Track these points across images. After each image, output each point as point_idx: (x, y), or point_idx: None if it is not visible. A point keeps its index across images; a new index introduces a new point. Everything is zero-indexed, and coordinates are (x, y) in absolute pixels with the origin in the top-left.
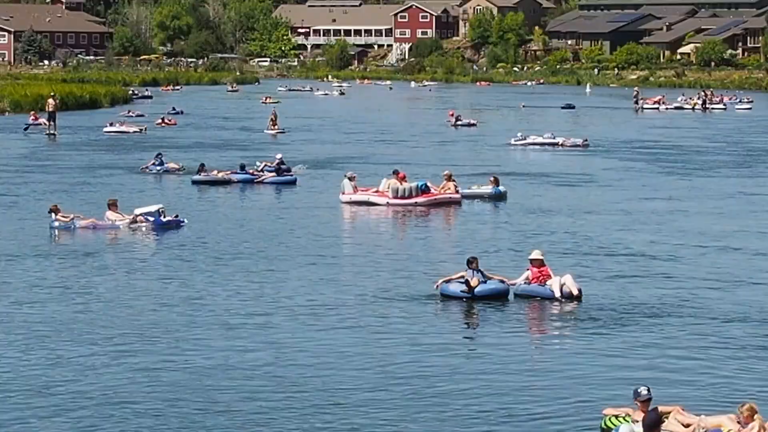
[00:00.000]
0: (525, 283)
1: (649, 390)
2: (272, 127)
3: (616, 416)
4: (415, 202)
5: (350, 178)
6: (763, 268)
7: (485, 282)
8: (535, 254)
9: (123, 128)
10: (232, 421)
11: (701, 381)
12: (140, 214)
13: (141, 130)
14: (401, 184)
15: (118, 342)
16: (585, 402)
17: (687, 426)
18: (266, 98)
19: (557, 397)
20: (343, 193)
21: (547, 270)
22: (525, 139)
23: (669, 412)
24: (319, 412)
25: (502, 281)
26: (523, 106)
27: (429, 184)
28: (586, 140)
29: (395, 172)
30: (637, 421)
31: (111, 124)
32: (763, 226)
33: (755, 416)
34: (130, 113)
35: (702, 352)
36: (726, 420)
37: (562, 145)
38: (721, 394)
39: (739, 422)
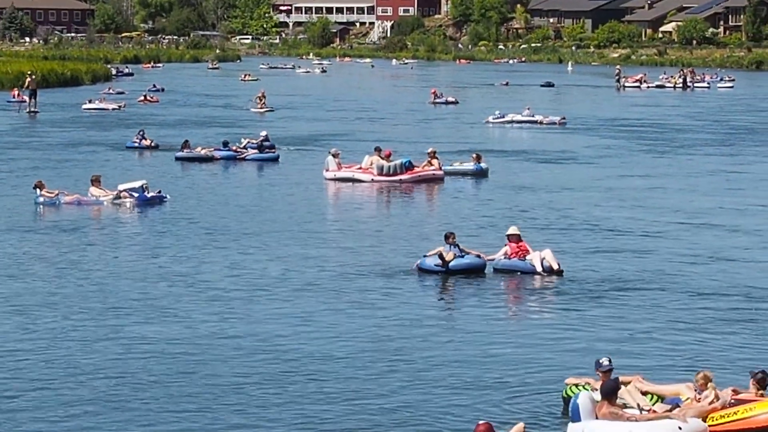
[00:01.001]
0: (504, 258)
1: (610, 361)
2: (260, 106)
3: (577, 385)
4: (400, 179)
5: (334, 155)
6: (738, 245)
7: (462, 256)
8: (513, 230)
9: (102, 105)
10: (212, 391)
11: (668, 352)
12: (124, 190)
13: (120, 107)
14: (386, 161)
15: (102, 313)
16: (554, 372)
17: (645, 394)
18: (245, 75)
19: (527, 367)
20: (327, 170)
21: (525, 245)
22: (503, 117)
23: (629, 382)
24: (298, 381)
25: (479, 256)
26: (507, 84)
27: (412, 161)
28: (564, 118)
29: (377, 149)
30: (597, 390)
31: (90, 101)
32: (740, 204)
33: (709, 384)
34: (110, 90)
35: (672, 324)
36: (683, 388)
37: (540, 122)
38: (686, 365)
39: (696, 390)
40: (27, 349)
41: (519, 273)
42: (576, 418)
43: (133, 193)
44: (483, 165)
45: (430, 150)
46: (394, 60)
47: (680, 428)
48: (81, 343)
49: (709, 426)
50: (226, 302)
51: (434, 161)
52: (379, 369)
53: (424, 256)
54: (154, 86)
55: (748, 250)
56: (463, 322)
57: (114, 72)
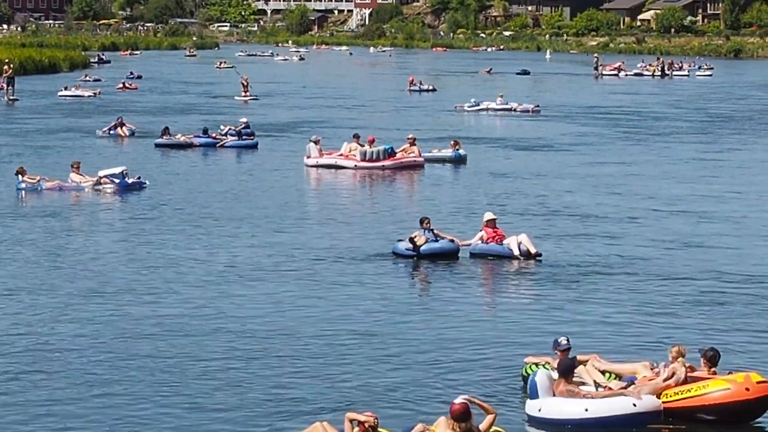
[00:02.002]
0: (481, 243)
1: (568, 340)
2: (244, 94)
3: (537, 364)
4: (383, 166)
5: (315, 142)
6: (711, 231)
7: (435, 241)
8: (489, 216)
9: (78, 92)
10: (190, 369)
11: (636, 333)
12: (105, 176)
13: (95, 94)
14: (369, 147)
15: (84, 296)
16: (522, 351)
17: (603, 372)
18: (221, 63)
19: (495, 347)
20: (309, 157)
21: (500, 231)
22: (477, 105)
23: (587, 361)
24: (271, 361)
25: (452, 241)
26: (490, 71)
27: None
28: (538, 106)
29: (356, 136)
30: (555, 369)
31: (66, 88)
32: (715, 191)
33: (679, 359)
34: (87, 78)
35: (641, 307)
36: (640, 367)
37: (513, 110)
38: (653, 346)
39: (652, 369)
40: (6, 331)
41: (496, 257)
42: (534, 395)
43: (114, 179)
44: (461, 152)
45: (409, 137)
46: (371, 48)
47: (634, 405)
48: (62, 323)
49: (663, 403)
50: (204, 285)
51: (414, 148)
52: (350, 349)
53: (399, 240)
54: (132, 73)
55: (720, 236)
56: (436, 304)
57: (96, 59)
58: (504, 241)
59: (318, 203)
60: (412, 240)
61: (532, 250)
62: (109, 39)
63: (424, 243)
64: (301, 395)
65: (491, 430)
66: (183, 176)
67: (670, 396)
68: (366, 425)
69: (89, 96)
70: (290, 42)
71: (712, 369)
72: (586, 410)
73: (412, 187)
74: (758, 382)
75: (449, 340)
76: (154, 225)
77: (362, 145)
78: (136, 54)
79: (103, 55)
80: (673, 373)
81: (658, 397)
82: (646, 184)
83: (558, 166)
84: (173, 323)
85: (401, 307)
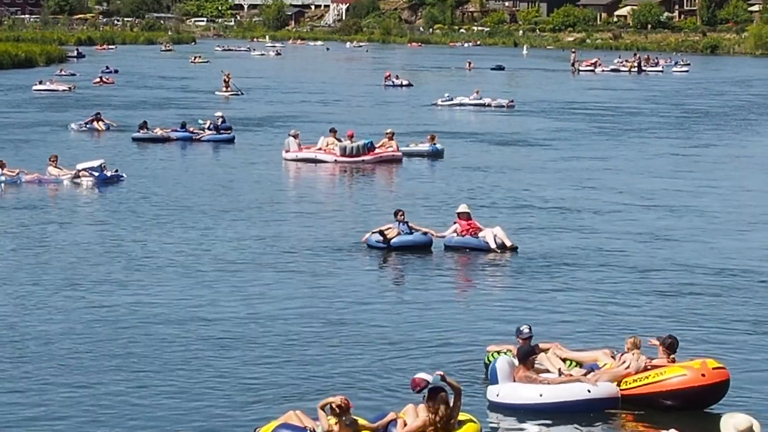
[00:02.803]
0: (457, 235)
1: (530, 329)
2: (225, 89)
3: (499, 352)
4: (362, 160)
5: (294, 136)
6: (682, 225)
7: (410, 233)
8: (462, 208)
9: (52, 87)
10: (164, 359)
11: (600, 322)
12: (83, 169)
13: (70, 88)
14: (350, 142)
15: (61, 286)
16: (487, 339)
17: (564, 360)
18: (195, 57)
19: (462, 336)
20: (287, 151)
21: (474, 223)
22: (451, 99)
23: (548, 349)
24: (242, 347)
25: (425, 233)
26: (470, 65)
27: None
28: (512, 101)
29: (332, 131)
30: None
31: (40, 83)
32: (689, 185)
33: (635, 351)
34: (62, 72)
35: (610, 296)
36: (601, 355)
37: (488, 105)
38: (618, 334)
39: (612, 357)
40: None
41: (470, 250)
42: (494, 380)
43: (93, 173)
44: (438, 146)
45: (387, 131)
46: (348, 43)
47: (589, 391)
48: (40, 312)
49: (622, 390)
50: (181, 275)
51: (392, 142)
52: (323, 337)
53: (373, 232)
54: (107, 68)
55: (691, 229)
56: (407, 294)
57: (75, 54)
58: (479, 234)
59: (296, 196)
60: (381, 232)
61: (507, 243)
62: (85, 33)
63: (396, 235)
64: (275, 381)
65: (463, 417)
66: (161, 170)
67: (629, 383)
68: (336, 406)
69: (63, 90)
70: (267, 37)
71: (672, 356)
72: (541, 395)
73: (391, 180)
74: (714, 368)
75: (419, 328)
76: (131, 217)
77: (339, 140)
78: (112, 48)
79: (79, 49)
80: (628, 362)
81: (619, 384)
82: (621, 178)
83: (534, 161)
84: (149, 312)
85: (373, 297)
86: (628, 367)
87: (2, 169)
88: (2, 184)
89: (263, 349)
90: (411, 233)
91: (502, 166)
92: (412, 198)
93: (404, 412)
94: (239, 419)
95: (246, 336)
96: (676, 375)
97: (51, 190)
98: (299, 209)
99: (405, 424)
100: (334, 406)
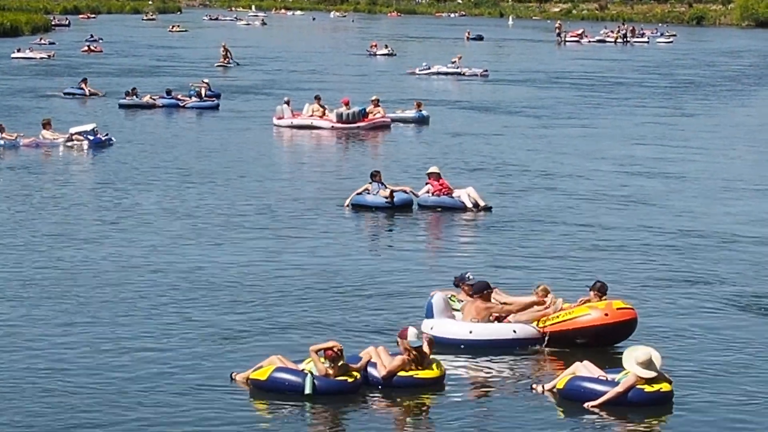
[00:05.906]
0: (432, 195)
1: (471, 276)
2: (222, 60)
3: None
4: (358, 126)
5: (287, 103)
6: (658, 189)
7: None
8: (433, 168)
9: (30, 54)
10: (149, 311)
11: (568, 274)
12: (76, 133)
13: (49, 56)
14: (345, 109)
15: (53, 242)
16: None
17: (504, 304)
18: (173, 27)
19: (425, 284)
20: (280, 118)
21: (445, 183)
22: (429, 68)
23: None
24: (217, 297)
25: (404, 191)
26: (469, 37)
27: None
28: (486, 70)
29: (317, 98)
30: (461, 301)
31: (18, 50)
32: (670, 153)
33: (549, 296)
34: (41, 41)
35: (575, 252)
36: (533, 298)
37: (463, 74)
38: (581, 285)
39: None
40: None
41: (443, 210)
42: (429, 315)
43: (89, 136)
44: (424, 113)
45: (373, 98)
46: (332, 13)
47: (515, 331)
48: (30, 266)
49: (541, 327)
50: (168, 232)
51: (378, 109)
52: (303, 290)
53: (358, 193)
54: (92, 36)
55: (667, 193)
56: (384, 249)
57: (66, 22)
58: (454, 194)
59: (285, 161)
60: (390, 193)
61: (481, 203)
62: (71, 2)
63: (390, 195)
64: (249, 330)
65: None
66: (148, 135)
67: (547, 321)
68: (331, 350)
69: (41, 58)
70: (252, 7)
71: (604, 299)
72: (471, 332)
73: (380, 145)
74: (618, 309)
75: (390, 278)
76: (121, 179)
77: (323, 107)
78: (93, 17)
79: (66, 19)
80: (548, 303)
81: (538, 323)
82: (602, 144)
83: (517, 128)
84: (135, 268)
85: (351, 251)
86: (547, 308)
87: (1, 133)
88: (1, 148)
89: (245, 299)
90: (398, 192)
91: (486, 133)
92: (400, 163)
93: (366, 352)
94: (217, 366)
95: (230, 287)
96: (582, 314)
97: (47, 154)
98: (287, 172)
99: (383, 365)
100: (328, 351)
